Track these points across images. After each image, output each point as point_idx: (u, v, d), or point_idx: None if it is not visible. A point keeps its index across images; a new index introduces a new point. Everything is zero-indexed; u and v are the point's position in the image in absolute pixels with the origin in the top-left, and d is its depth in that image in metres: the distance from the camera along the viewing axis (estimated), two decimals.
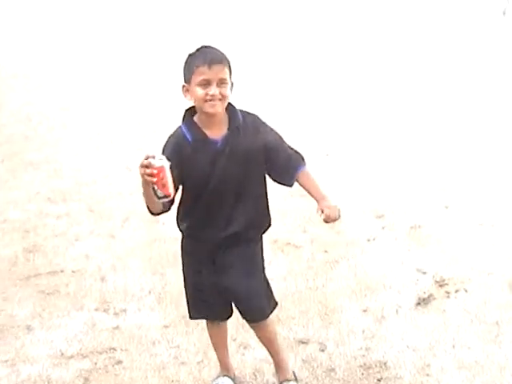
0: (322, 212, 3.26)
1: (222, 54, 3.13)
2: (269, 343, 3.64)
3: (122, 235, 5.75)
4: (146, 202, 3.13)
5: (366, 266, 5.05)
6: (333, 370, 3.90)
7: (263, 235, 3.46)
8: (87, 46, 15.70)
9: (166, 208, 3.17)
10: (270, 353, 3.68)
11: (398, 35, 15.78)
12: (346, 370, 3.90)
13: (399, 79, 11.59)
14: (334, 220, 3.31)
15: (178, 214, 3.38)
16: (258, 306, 3.46)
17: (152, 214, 3.20)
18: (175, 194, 3.04)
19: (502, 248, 5.23)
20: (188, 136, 3.17)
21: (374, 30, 16.84)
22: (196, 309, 3.57)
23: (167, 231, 5.74)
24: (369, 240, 5.46)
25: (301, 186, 3.37)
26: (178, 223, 3.41)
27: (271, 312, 3.51)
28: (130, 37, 16.60)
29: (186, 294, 3.56)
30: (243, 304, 3.45)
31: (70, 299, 4.75)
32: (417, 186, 6.53)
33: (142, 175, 2.88)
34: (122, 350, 4.15)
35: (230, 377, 3.76)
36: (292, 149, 3.36)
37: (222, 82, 3.05)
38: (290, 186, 3.40)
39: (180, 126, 3.22)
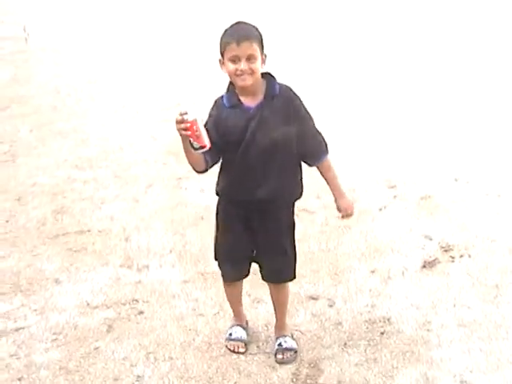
0: (340, 211, 3.65)
1: (252, 30, 3.37)
2: (279, 303, 3.95)
3: (146, 199, 6.03)
4: (189, 161, 3.43)
5: (376, 232, 5.30)
6: (340, 323, 4.17)
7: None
8: (113, 21, 15.94)
9: (208, 165, 3.47)
10: (276, 312, 3.98)
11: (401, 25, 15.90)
12: (352, 323, 4.16)
13: (411, 57, 11.74)
14: (350, 217, 3.68)
15: (217, 178, 3.65)
16: (284, 275, 3.82)
17: (197, 172, 3.50)
18: (211, 145, 3.30)
19: (506, 217, 5.46)
20: (226, 102, 3.45)
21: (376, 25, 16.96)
22: (226, 271, 3.85)
23: (189, 197, 6.04)
24: (380, 209, 5.70)
25: (321, 174, 3.64)
26: (216, 187, 3.68)
27: (292, 278, 3.83)
28: (156, 12, 16.81)
29: (216, 254, 3.83)
30: (270, 271, 3.79)
31: (95, 256, 5.04)
32: (428, 159, 6.74)
33: (179, 130, 3.20)
34: (143, 301, 4.44)
35: (242, 326, 4.04)
36: (320, 133, 3.60)
37: (250, 58, 3.30)
38: (310, 166, 3.65)
39: (222, 94, 3.49)
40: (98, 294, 4.55)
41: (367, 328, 4.12)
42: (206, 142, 3.27)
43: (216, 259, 3.88)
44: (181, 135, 3.26)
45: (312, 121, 3.57)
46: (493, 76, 9.99)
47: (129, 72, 11.16)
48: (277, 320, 4.00)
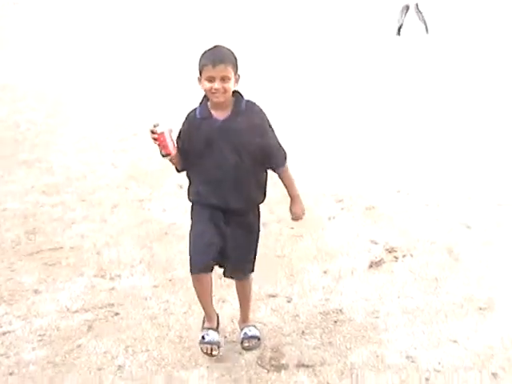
0: (292, 213, 4.15)
1: (228, 54, 3.88)
2: (244, 296, 4.39)
3: (113, 219, 6.45)
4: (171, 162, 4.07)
5: (326, 239, 5.81)
6: (297, 315, 4.64)
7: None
8: (67, 57, 16.41)
9: (183, 168, 4.09)
10: (242, 305, 4.42)
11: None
12: (308, 315, 4.64)
13: (373, 78, 12.39)
14: (300, 219, 4.19)
15: (188, 186, 4.14)
16: (246, 269, 4.28)
17: (178, 171, 4.13)
18: (175, 154, 3.89)
19: (444, 223, 6.01)
20: (198, 113, 3.97)
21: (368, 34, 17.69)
22: (195, 259, 4.04)
23: (152, 215, 6.49)
24: (329, 218, 6.23)
25: (281, 179, 4.13)
26: (188, 194, 4.15)
27: (250, 273, 4.31)
28: (110, 44, 17.29)
29: (190, 248, 4.10)
30: (236, 269, 4.24)
31: (70, 269, 5.44)
32: (372, 174, 7.31)
33: (151, 139, 3.80)
34: (118, 304, 4.86)
35: (214, 328, 4.28)
36: (280, 145, 4.09)
37: (224, 78, 3.81)
38: (274, 171, 4.13)
39: (196, 107, 4.01)
40: (76, 300, 4.95)
41: (322, 318, 4.60)
42: (171, 150, 3.86)
43: (190, 263, 4.12)
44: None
45: (274, 133, 4.07)
46: (429, 96, 10.67)
47: (85, 106, 11.62)
48: (242, 312, 4.44)
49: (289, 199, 4.15)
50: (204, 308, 4.24)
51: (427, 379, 3.93)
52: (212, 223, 4.02)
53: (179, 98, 11.00)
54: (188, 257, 4.04)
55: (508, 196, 6.56)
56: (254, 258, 4.26)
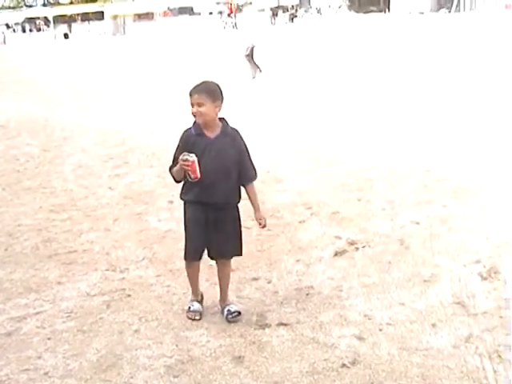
0: (257, 219, 5.31)
1: (207, 86, 5.03)
2: (223, 276, 5.38)
3: (115, 229, 7.46)
4: (174, 177, 5.10)
5: (298, 237, 6.87)
6: (276, 292, 5.68)
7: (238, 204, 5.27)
8: (56, 92, 17.48)
9: (179, 179, 5.11)
10: (221, 286, 5.40)
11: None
12: (285, 291, 5.67)
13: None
14: (264, 227, 5.37)
15: (182, 189, 5.20)
16: (230, 252, 5.31)
17: (177, 182, 5.15)
18: (200, 176, 4.89)
19: (398, 221, 7.09)
20: (193, 131, 5.07)
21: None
22: (189, 250, 5.23)
23: (150, 225, 7.51)
24: (300, 222, 7.30)
25: (246, 193, 5.25)
26: (181, 195, 5.22)
27: (234, 255, 5.34)
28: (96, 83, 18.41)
29: (186, 240, 5.25)
30: (220, 249, 5.24)
31: (85, 266, 6.43)
32: (337, 186, 8.43)
33: (182, 165, 4.85)
34: (129, 289, 5.85)
35: (198, 300, 5.41)
36: (252, 164, 5.23)
37: (199, 104, 4.94)
38: (242, 185, 5.22)
39: (190, 127, 5.10)
40: (94, 287, 5.94)
41: (296, 293, 5.63)
42: (198, 174, 4.87)
43: (185, 251, 5.29)
44: (182, 167, 4.88)
45: (249, 155, 5.20)
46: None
47: (77, 140, 12.70)
48: (221, 292, 5.41)
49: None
50: (192, 285, 5.42)
51: (381, 330, 4.97)
52: (202, 219, 5.10)
53: (162, 128, 12.12)
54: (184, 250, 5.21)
55: (450, 200, 7.68)
56: (239, 242, 5.28)
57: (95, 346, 4.95)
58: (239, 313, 5.24)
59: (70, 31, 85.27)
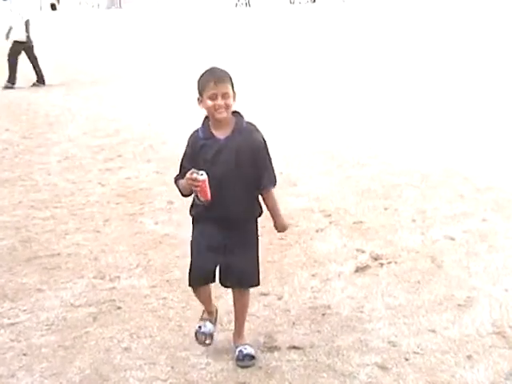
0: (277, 228, 5.05)
1: (226, 73, 4.75)
2: (240, 309, 5.11)
3: (106, 231, 7.48)
4: (181, 191, 4.80)
5: (314, 248, 6.86)
6: (288, 310, 5.67)
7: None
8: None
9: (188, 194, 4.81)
10: (237, 318, 5.14)
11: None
12: (298, 310, 5.66)
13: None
14: (287, 228, 5.13)
15: (192, 203, 4.92)
16: (248, 281, 5.01)
17: (185, 196, 4.83)
18: (212, 198, 4.59)
19: (429, 236, 7.07)
20: (200, 134, 4.76)
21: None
22: (195, 275, 4.92)
23: (145, 228, 7.53)
24: (317, 231, 7.29)
25: (264, 201, 4.88)
26: (191, 209, 4.94)
27: (252, 286, 5.09)
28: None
29: (191, 264, 4.92)
30: (236, 278, 4.92)
31: (70, 272, 6.44)
32: (360, 192, 8.43)
33: (190, 185, 4.57)
34: (120, 300, 5.86)
35: (211, 321, 5.21)
36: (273, 169, 4.87)
37: (225, 96, 4.64)
38: (259, 193, 4.94)
39: (198, 128, 4.86)
40: (79, 297, 5.95)
41: (311, 312, 5.62)
42: (209, 196, 4.57)
43: (189, 276, 4.96)
44: (189, 187, 4.61)
45: (269, 156, 4.93)
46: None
47: (63, 128, 12.72)
48: (236, 328, 5.17)
49: None
50: (204, 304, 5.19)
51: (407, 359, 4.95)
52: (213, 238, 4.78)
53: (162, 119, 12.14)
54: (185, 261, 5.05)
55: (491, 213, 7.66)
56: (258, 270, 5.04)
57: (78, 364, 4.96)
58: (252, 357, 4.93)
59: (59, 2, 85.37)
